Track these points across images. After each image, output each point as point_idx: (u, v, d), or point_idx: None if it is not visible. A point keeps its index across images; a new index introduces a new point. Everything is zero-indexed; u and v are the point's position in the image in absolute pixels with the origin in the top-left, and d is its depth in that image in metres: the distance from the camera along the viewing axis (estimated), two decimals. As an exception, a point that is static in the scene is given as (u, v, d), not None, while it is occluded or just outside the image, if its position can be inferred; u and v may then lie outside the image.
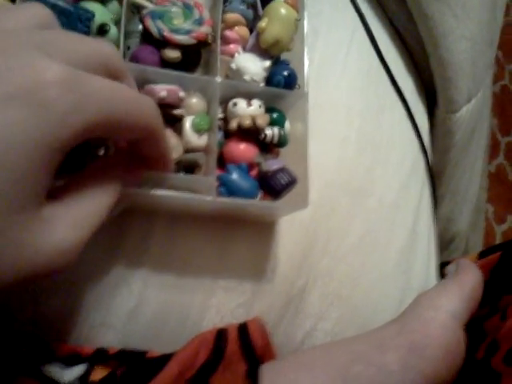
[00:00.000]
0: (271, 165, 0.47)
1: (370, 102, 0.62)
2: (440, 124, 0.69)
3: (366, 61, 0.63)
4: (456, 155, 0.71)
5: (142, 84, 0.45)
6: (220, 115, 0.48)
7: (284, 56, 0.52)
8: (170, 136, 0.44)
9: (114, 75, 0.30)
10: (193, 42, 0.46)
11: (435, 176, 0.70)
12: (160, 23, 0.46)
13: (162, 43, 0.46)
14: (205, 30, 0.47)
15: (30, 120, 0.23)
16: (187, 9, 0.48)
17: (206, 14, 0.49)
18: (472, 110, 0.69)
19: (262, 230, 0.52)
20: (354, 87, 0.61)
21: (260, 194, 0.47)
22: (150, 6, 0.47)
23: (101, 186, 0.31)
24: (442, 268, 0.65)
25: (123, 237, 0.47)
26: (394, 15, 0.67)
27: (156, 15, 0.46)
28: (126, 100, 0.29)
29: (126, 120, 0.29)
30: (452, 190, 0.75)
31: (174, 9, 0.47)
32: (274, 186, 0.46)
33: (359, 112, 0.60)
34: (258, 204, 0.46)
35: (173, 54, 0.46)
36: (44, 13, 0.30)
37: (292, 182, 0.47)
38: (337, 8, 0.64)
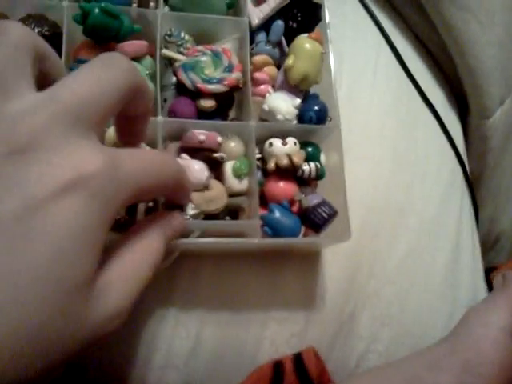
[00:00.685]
0: (311, 200, 0.49)
1: (402, 119, 0.62)
2: (474, 131, 0.68)
3: (394, 78, 0.64)
4: (494, 158, 0.71)
5: (181, 132, 0.47)
6: (257, 156, 0.50)
7: (313, 89, 0.53)
8: (215, 185, 0.46)
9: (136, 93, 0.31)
10: (225, 89, 0.48)
11: (474, 181, 0.70)
12: (192, 74, 0.48)
13: (196, 93, 0.48)
14: (235, 76, 0.49)
15: (81, 209, 0.25)
16: (216, 56, 0.50)
17: (235, 59, 0.51)
18: (507, 112, 0.68)
19: (308, 259, 0.53)
20: (385, 106, 0.62)
21: (303, 229, 0.48)
22: (181, 58, 0.49)
23: (148, 242, 0.32)
24: (489, 274, 0.64)
25: (174, 279, 0.49)
26: (417, 29, 0.68)
27: (188, 67, 0.48)
28: (155, 167, 0.30)
29: (157, 184, 0.31)
30: (493, 192, 0.74)
31: (203, 58, 0.49)
32: (315, 221, 0.48)
33: (392, 131, 0.61)
34: (302, 241, 0.48)
35: (208, 103, 0.48)
36: (31, 39, 0.28)
37: (333, 215, 0.48)
38: (359, 29, 0.65)
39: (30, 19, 0.46)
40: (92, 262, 0.26)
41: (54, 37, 0.46)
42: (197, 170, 0.45)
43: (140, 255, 0.31)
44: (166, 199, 0.41)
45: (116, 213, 0.27)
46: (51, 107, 0.25)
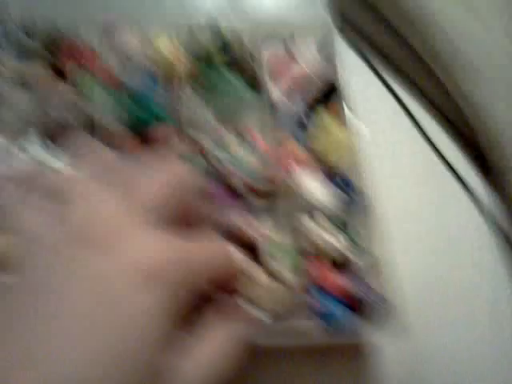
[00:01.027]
0: (358, 288, 0.48)
1: (430, 194, 0.63)
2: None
3: (419, 154, 0.65)
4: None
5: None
6: (294, 240, 0.50)
7: (341, 169, 0.54)
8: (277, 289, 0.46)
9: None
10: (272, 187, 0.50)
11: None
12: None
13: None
14: (259, 154, 0.51)
15: (156, 302, 0.25)
16: (240, 135, 0.52)
17: (259, 138, 0.52)
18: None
19: (362, 353, 0.52)
20: (410, 184, 0.63)
21: (355, 320, 0.48)
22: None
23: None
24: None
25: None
26: (435, 99, 0.69)
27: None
28: (220, 259, 0.32)
29: (218, 276, 0.31)
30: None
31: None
32: (364, 310, 0.47)
33: (420, 207, 0.61)
34: (353, 336, 0.47)
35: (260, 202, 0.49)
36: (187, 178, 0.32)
37: (382, 303, 0.47)
38: (384, 109, 0.67)
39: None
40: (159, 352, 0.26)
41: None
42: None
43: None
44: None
45: (186, 303, 0.28)
46: (126, 201, 0.27)
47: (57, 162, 0.45)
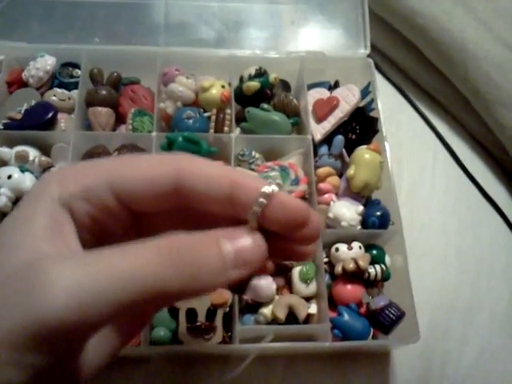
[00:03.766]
0: (378, 302, 0.51)
1: (464, 217, 0.64)
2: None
3: (453, 178, 0.67)
4: None
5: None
6: (324, 260, 0.53)
7: (374, 195, 0.57)
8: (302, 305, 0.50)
9: None
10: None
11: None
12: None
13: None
14: (302, 188, 0.54)
15: None
16: (284, 171, 0.55)
17: (301, 172, 0.56)
18: None
19: (378, 360, 0.54)
20: (445, 205, 0.65)
21: (371, 331, 0.50)
22: (253, 174, 0.55)
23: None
24: None
25: (247, 382, 0.52)
26: (472, 129, 0.71)
27: (259, 182, 0.54)
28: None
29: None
30: None
31: (273, 173, 0.55)
32: (383, 323, 0.50)
33: (454, 229, 0.63)
34: (371, 343, 0.49)
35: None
36: None
37: (400, 317, 0.50)
38: (415, 134, 0.69)
39: (124, 149, 0.54)
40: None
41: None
42: (264, 286, 0.49)
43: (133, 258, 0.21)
44: None
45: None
46: None
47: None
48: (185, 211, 0.26)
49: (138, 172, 0.24)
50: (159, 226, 0.25)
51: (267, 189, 0.23)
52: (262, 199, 0.23)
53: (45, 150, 0.54)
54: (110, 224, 0.25)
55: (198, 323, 0.47)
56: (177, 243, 0.22)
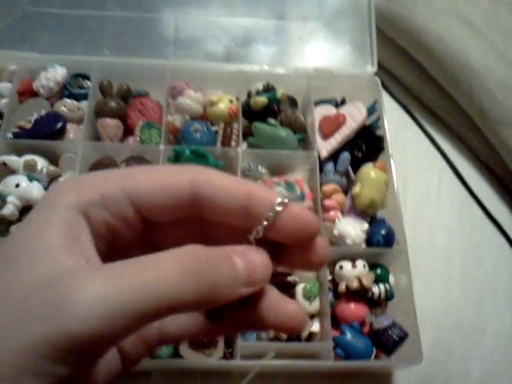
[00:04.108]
0: (381, 321, 0.50)
1: (468, 238, 0.64)
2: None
3: (458, 198, 0.67)
4: None
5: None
6: (328, 278, 0.53)
7: (380, 213, 0.57)
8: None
9: None
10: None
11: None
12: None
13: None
14: (307, 204, 0.54)
15: None
16: (290, 186, 0.56)
17: (306, 189, 0.56)
18: None
19: (380, 380, 0.54)
20: (450, 225, 0.65)
21: (374, 351, 0.50)
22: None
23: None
24: None
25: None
26: (477, 149, 0.71)
27: (264, 197, 0.54)
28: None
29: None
30: None
31: (278, 189, 0.55)
32: (386, 343, 0.49)
33: (458, 249, 0.63)
34: (373, 364, 0.49)
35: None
36: None
37: (403, 338, 0.50)
38: (421, 152, 0.69)
39: (131, 160, 0.55)
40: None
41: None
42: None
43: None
44: None
45: None
46: None
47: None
48: (197, 223, 0.26)
49: (154, 180, 0.24)
50: (170, 237, 0.26)
51: (282, 199, 0.23)
52: (277, 207, 0.23)
53: (53, 159, 0.54)
54: (124, 233, 0.25)
55: (200, 338, 0.47)
56: (197, 256, 0.22)
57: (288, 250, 0.25)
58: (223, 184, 0.24)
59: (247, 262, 0.23)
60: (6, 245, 0.22)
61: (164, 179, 0.24)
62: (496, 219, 0.67)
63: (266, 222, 0.24)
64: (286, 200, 0.24)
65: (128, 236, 0.25)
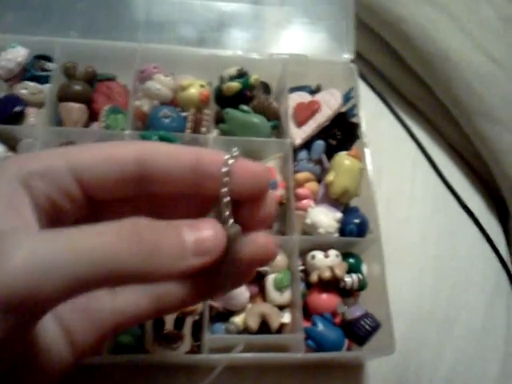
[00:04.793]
0: (354, 312, 0.49)
1: (442, 228, 0.64)
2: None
3: (432, 188, 0.66)
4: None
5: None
6: (300, 267, 0.52)
7: (353, 202, 0.56)
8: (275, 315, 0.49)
9: None
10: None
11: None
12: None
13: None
14: (279, 192, 0.53)
15: None
16: (262, 175, 0.54)
17: (279, 177, 0.54)
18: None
19: (352, 372, 0.53)
20: (424, 215, 0.64)
21: (346, 342, 0.49)
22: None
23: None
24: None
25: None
26: (452, 140, 0.71)
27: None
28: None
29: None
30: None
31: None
32: (358, 333, 0.48)
33: (432, 239, 0.63)
34: (345, 355, 0.48)
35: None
36: None
37: (376, 328, 0.49)
38: (396, 142, 0.68)
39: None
40: None
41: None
42: (237, 293, 0.47)
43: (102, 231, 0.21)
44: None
45: None
46: None
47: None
48: (146, 202, 0.26)
49: (99, 153, 0.24)
50: (118, 217, 0.24)
51: (231, 153, 0.25)
52: (229, 161, 0.24)
53: (11, 145, 0.52)
54: (68, 209, 0.25)
55: (166, 331, 0.45)
56: (138, 226, 0.22)
57: (239, 210, 0.25)
58: (170, 150, 0.25)
59: (197, 233, 0.23)
60: None
61: (108, 152, 0.24)
62: (470, 210, 0.66)
63: (227, 178, 0.24)
64: (236, 153, 0.24)
65: (72, 213, 0.25)
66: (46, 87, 0.55)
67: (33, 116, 0.52)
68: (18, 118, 0.52)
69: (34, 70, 0.56)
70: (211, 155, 0.25)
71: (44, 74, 0.56)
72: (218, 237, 0.23)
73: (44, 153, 0.24)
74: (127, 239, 0.21)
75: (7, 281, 0.18)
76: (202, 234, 0.23)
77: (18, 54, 0.54)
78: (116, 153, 0.24)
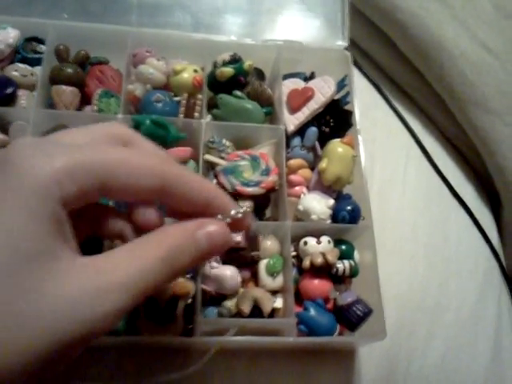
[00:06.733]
0: (345, 298, 0.50)
1: (434, 216, 0.64)
2: (509, 224, 0.69)
3: (425, 177, 0.67)
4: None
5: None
6: (293, 253, 0.52)
7: (346, 189, 0.56)
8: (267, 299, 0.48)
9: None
10: (262, 191, 0.52)
11: (512, 277, 0.70)
12: (232, 178, 0.52)
13: (235, 195, 0.51)
14: (272, 179, 0.53)
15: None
16: (254, 160, 0.54)
17: (272, 163, 0.54)
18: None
19: (343, 358, 0.53)
20: (416, 204, 0.64)
21: (338, 327, 0.49)
22: (222, 162, 0.53)
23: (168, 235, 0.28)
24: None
25: (210, 376, 0.50)
26: (445, 129, 0.71)
27: (228, 171, 0.52)
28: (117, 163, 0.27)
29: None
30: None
31: (243, 162, 0.53)
32: (350, 319, 0.49)
33: (424, 228, 0.63)
34: (336, 340, 0.48)
35: (245, 204, 0.51)
36: (122, 130, 0.30)
37: (368, 313, 0.49)
38: (389, 131, 0.68)
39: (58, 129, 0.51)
40: (45, 232, 0.24)
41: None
42: (229, 277, 0.47)
43: (153, 244, 0.27)
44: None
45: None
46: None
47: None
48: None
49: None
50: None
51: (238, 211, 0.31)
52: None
53: (3, 127, 0.51)
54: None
55: (158, 313, 0.45)
56: (170, 252, 0.27)
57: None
58: (131, 171, 0.27)
59: (208, 235, 0.28)
60: None
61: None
62: (461, 198, 0.67)
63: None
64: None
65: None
66: (38, 69, 0.54)
67: (24, 98, 0.52)
68: (10, 100, 0.51)
69: (25, 52, 0.55)
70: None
71: (35, 56, 0.55)
72: (224, 235, 0.29)
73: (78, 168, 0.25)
74: (167, 264, 0.26)
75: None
76: (212, 235, 0.29)
77: (9, 36, 0.54)
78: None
